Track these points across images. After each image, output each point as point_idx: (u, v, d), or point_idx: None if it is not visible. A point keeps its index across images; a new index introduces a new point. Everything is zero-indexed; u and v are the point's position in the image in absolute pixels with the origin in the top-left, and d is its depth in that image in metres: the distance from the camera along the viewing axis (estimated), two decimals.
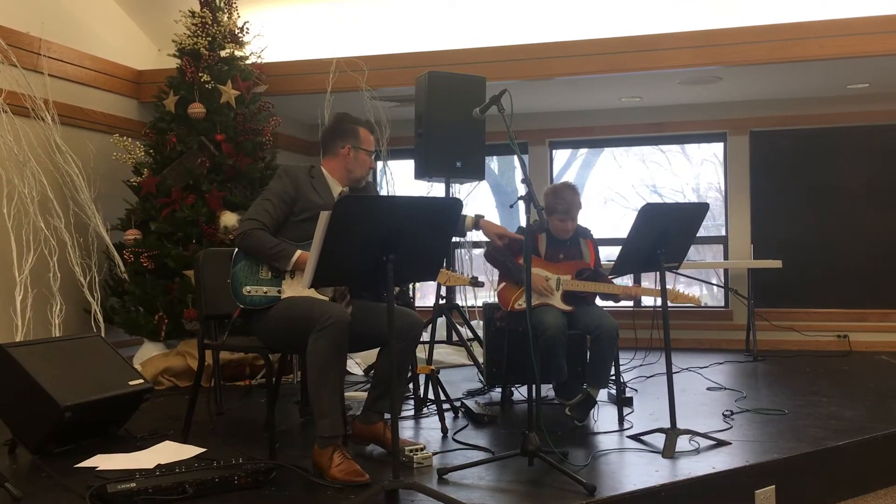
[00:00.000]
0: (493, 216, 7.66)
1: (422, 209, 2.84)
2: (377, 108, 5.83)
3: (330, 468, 2.88)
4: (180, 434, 3.59)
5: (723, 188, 7.26)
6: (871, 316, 6.59)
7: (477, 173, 4.69)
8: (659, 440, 3.38)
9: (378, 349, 3.33)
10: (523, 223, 3.58)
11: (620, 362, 4.19)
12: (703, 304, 7.02)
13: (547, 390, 4.33)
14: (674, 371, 3.55)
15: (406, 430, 3.85)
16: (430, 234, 2.82)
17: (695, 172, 7.74)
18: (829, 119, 6.75)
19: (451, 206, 2.97)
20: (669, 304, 3.63)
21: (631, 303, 4.93)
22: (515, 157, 4.42)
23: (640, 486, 2.81)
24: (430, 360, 4.51)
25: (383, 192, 5.97)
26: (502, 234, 3.62)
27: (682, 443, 3.33)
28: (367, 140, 3.41)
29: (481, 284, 3.80)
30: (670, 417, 3.40)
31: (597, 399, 3.96)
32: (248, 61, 5.79)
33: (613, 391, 4.30)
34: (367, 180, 3.50)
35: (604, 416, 4.01)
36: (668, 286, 3.61)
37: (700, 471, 2.99)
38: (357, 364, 5.52)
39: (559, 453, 3.07)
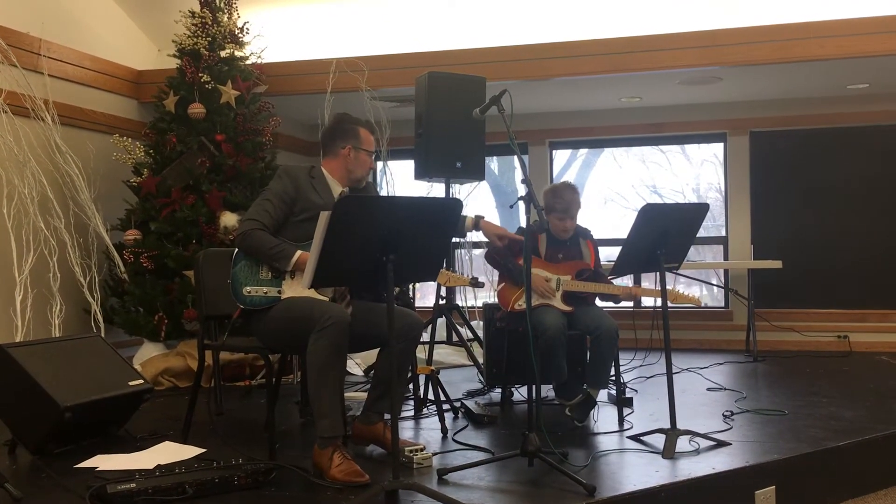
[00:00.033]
0: (493, 216, 7.66)
1: (422, 209, 2.84)
2: (377, 108, 5.83)
3: (330, 468, 2.88)
4: (180, 434, 3.58)
5: (723, 188, 7.26)
6: (871, 316, 6.59)
7: (477, 174, 4.69)
8: (659, 441, 3.38)
9: (378, 349, 3.33)
10: (523, 223, 3.58)
11: (620, 363, 4.19)
12: (703, 305, 6.99)
13: (547, 391, 4.33)
14: (674, 371, 3.55)
15: (406, 431, 3.85)
16: (430, 234, 2.82)
17: (695, 173, 7.74)
18: (829, 119, 6.75)
19: (451, 206, 2.97)
20: (669, 304, 3.63)
21: (631, 303, 4.92)
22: (515, 158, 4.42)
23: (640, 487, 2.81)
24: (430, 361, 4.50)
25: (383, 193, 5.96)
26: (502, 235, 3.62)
27: (682, 443, 3.33)
28: (368, 140, 3.40)
29: (481, 285, 3.80)
30: (670, 418, 3.40)
31: (597, 399, 3.96)
32: (248, 61, 5.79)
33: (613, 392, 4.30)
34: (367, 180, 3.50)
35: (604, 417, 4.01)
36: (668, 286, 3.61)
37: (700, 471, 2.99)
38: (357, 364, 5.52)
39: (559, 454, 3.06)
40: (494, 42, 5.85)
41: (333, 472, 2.87)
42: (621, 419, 3.87)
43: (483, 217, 3.58)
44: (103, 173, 5.61)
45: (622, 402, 4.06)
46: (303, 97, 6.17)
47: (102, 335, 4.44)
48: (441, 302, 4.66)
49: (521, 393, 4.50)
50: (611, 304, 4.18)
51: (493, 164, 8.34)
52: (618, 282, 4.14)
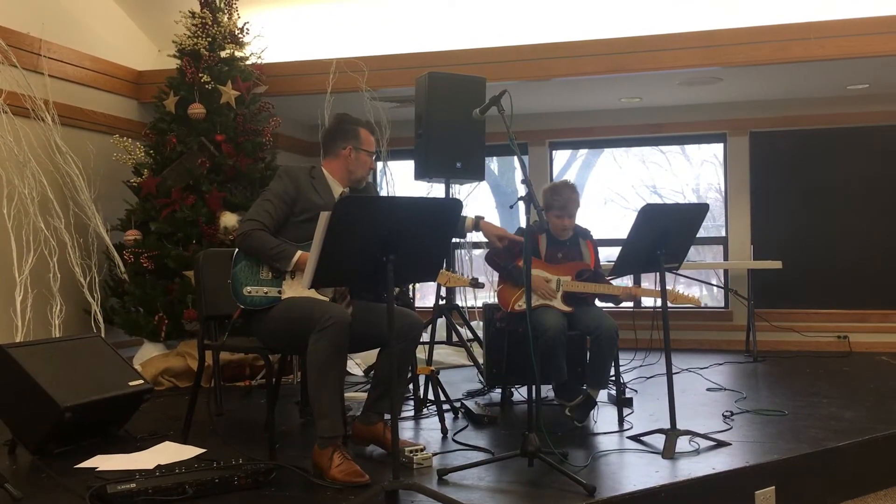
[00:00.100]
0: (492, 217, 7.67)
1: (422, 210, 2.84)
2: (377, 108, 5.83)
3: (330, 469, 2.88)
4: (180, 435, 3.58)
5: (723, 189, 7.26)
6: (872, 316, 6.59)
7: (477, 174, 4.69)
8: (659, 441, 3.38)
9: (378, 350, 3.33)
10: (523, 224, 3.58)
11: (620, 363, 4.19)
12: (702, 305, 7.02)
13: (547, 391, 4.33)
14: (674, 372, 3.55)
15: (406, 431, 3.85)
16: (430, 234, 2.82)
17: (695, 173, 7.74)
18: (829, 119, 6.75)
19: (451, 206, 2.97)
20: (669, 304, 3.63)
21: (631, 303, 4.93)
22: (515, 158, 4.41)
23: (640, 487, 2.81)
24: (429, 361, 4.50)
25: (383, 193, 5.96)
26: (502, 236, 3.62)
27: (682, 443, 3.33)
28: (368, 141, 3.41)
29: (481, 286, 3.80)
30: (670, 418, 3.40)
31: (597, 400, 3.96)
32: (248, 62, 5.79)
33: (613, 392, 4.30)
34: (367, 181, 3.50)
35: (604, 417, 4.01)
36: (667, 287, 3.61)
37: (700, 471, 2.99)
38: (357, 364, 5.52)
39: (559, 454, 3.06)
40: (494, 42, 5.85)
41: (333, 473, 2.87)
42: (621, 419, 3.87)
43: (483, 217, 3.58)
44: (103, 173, 5.61)
45: (622, 402, 4.06)
46: (303, 97, 6.17)
47: (102, 335, 4.44)
48: (441, 302, 4.66)
49: (520, 393, 4.50)
50: (611, 305, 4.18)
51: (493, 164, 8.34)
52: (617, 282, 4.14)
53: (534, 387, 3.11)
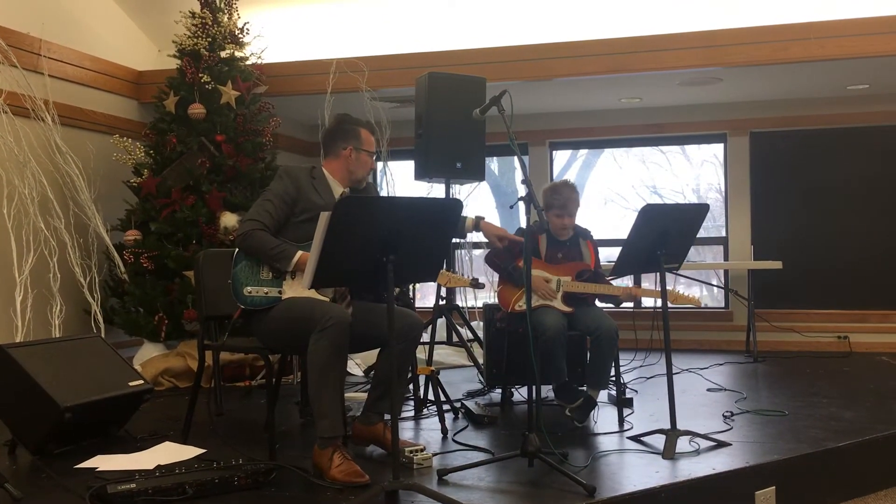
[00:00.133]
0: (493, 217, 7.67)
1: (422, 210, 2.84)
2: (377, 108, 5.83)
3: (330, 469, 2.88)
4: (180, 435, 3.58)
5: (723, 189, 7.26)
6: (872, 317, 6.59)
7: (477, 174, 4.69)
8: (659, 441, 3.38)
9: (378, 350, 3.33)
10: (523, 224, 3.58)
11: (620, 363, 4.18)
12: (703, 305, 7.02)
13: (547, 391, 4.32)
14: (674, 372, 3.55)
15: (406, 431, 3.85)
16: (430, 235, 2.82)
17: (695, 173, 7.74)
18: (829, 120, 6.75)
19: (451, 207, 2.97)
20: (669, 305, 3.63)
21: (631, 304, 4.92)
22: (515, 158, 4.41)
23: (641, 488, 2.81)
24: (430, 361, 4.50)
25: (383, 193, 5.96)
26: (502, 236, 3.62)
27: (683, 444, 3.33)
28: (369, 141, 3.41)
29: (482, 286, 3.80)
30: (670, 418, 3.40)
31: (597, 400, 3.96)
32: (248, 62, 5.79)
33: (613, 392, 4.30)
34: (367, 181, 3.50)
35: (604, 417, 4.01)
36: (668, 287, 3.61)
37: (700, 472, 2.99)
38: (357, 365, 5.52)
39: (559, 454, 3.06)
40: (495, 42, 5.85)
41: (333, 473, 2.87)
42: (621, 420, 3.87)
43: (483, 218, 3.58)
44: (103, 174, 5.61)
45: (622, 402, 4.06)
46: (303, 98, 6.17)
47: (102, 335, 4.44)
48: (441, 302, 4.66)
49: (521, 393, 4.50)
50: (611, 305, 4.18)
51: (493, 164, 8.34)
52: (618, 282, 4.14)
53: (534, 387, 3.11)
